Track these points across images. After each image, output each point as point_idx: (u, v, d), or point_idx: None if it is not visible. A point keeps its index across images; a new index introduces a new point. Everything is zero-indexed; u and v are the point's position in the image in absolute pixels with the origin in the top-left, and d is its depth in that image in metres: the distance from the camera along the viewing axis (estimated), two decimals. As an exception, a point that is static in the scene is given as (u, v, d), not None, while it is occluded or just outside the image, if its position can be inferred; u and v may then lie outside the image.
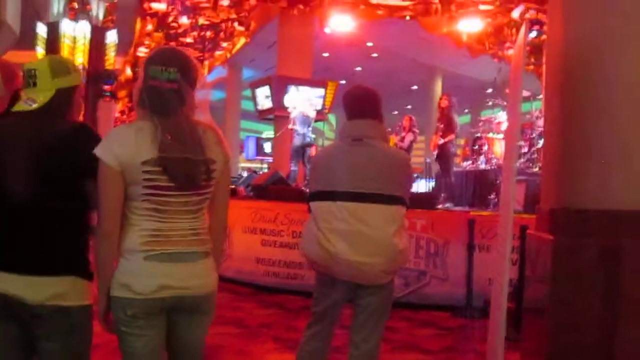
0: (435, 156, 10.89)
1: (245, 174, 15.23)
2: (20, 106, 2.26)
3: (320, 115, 15.78)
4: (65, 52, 13.78)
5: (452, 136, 10.27)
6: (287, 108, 12.85)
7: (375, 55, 23.15)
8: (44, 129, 2.21)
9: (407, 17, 15.11)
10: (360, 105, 3.29)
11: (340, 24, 14.84)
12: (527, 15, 13.63)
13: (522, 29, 3.26)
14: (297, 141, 11.34)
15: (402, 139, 11.25)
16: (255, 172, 15.59)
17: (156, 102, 2.20)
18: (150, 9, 16.57)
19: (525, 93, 10.69)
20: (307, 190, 3.40)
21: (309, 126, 11.47)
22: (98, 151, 2.15)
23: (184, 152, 2.18)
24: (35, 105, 2.24)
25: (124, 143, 2.16)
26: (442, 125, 10.61)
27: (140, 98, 2.23)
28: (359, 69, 25.42)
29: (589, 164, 3.16)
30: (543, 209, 3.50)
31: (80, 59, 14.08)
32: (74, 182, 2.20)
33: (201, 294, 2.27)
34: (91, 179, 2.19)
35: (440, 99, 11.10)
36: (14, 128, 2.23)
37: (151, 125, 2.18)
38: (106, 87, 13.80)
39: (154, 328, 2.22)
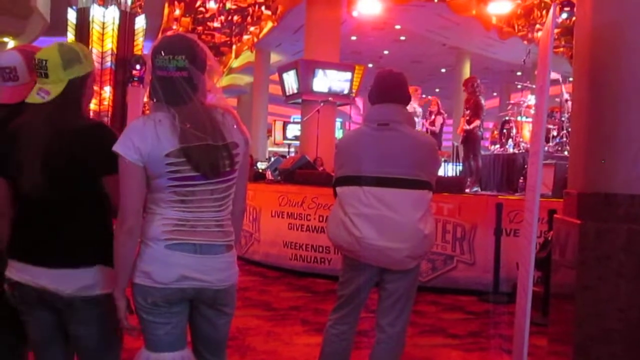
0: (461, 140, 10.82)
1: (273, 158, 15.28)
2: (34, 98, 2.26)
3: (348, 99, 15.78)
4: (94, 37, 13.93)
5: (477, 122, 10.21)
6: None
7: (403, 38, 22.96)
8: (58, 126, 2.23)
9: (435, 0, 14.96)
10: (386, 89, 3.28)
11: (368, 7, 14.77)
12: (558, -3, 13.41)
13: (551, 11, 3.21)
14: None
15: (433, 123, 11.17)
16: (282, 156, 15.62)
17: (168, 92, 2.16)
18: (178, -7, 16.65)
19: (555, 76, 10.53)
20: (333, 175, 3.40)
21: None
22: (118, 147, 2.13)
23: (205, 140, 2.15)
24: (48, 98, 2.25)
25: (143, 137, 2.13)
26: (468, 110, 10.54)
27: (152, 90, 2.19)
28: (386, 52, 25.25)
29: (617, 148, 3.11)
30: (571, 193, 3.47)
31: (110, 44, 14.23)
32: (93, 178, 2.22)
33: (222, 287, 2.25)
34: (108, 175, 2.20)
35: (464, 83, 11.04)
36: (29, 126, 2.24)
37: (168, 115, 2.15)
38: (135, 72, 13.92)
39: (175, 316, 2.22)
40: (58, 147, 2.21)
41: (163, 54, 2.17)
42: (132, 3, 15.19)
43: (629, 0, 3.15)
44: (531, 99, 10.98)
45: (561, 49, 16.16)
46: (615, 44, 3.17)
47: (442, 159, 13.19)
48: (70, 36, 14.32)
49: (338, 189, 3.25)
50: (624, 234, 3.02)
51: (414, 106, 10.65)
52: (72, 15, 14.49)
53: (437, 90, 28.42)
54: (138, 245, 2.22)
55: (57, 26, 14.66)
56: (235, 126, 2.28)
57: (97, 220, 2.27)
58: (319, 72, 15.61)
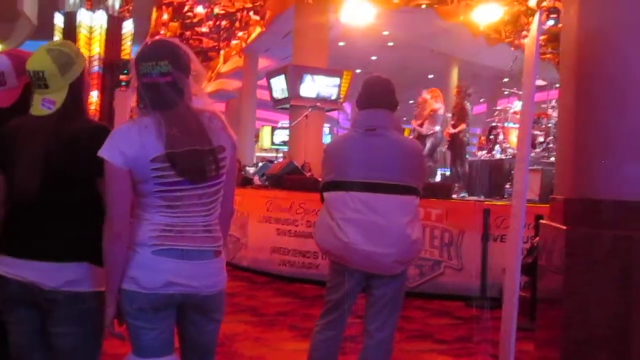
0: (447, 145, 10.84)
1: (260, 163, 15.26)
2: (40, 110, 2.26)
3: (336, 104, 15.80)
4: (82, 42, 13.87)
5: (463, 125, 10.23)
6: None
7: (391, 44, 23.03)
8: (61, 131, 2.23)
9: (423, 6, 15.04)
10: (373, 95, 3.30)
11: (356, 12, 14.78)
12: (545, 3, 13.51)
13: (536, 18, 3.24)
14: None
15: (421, 124, 11.11)
16: (270, 161, 15.61)
17: (154, 98, 2.15)
18: (166, -1, 16.64)
19: (541, 82, 10.60)
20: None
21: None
22: (104, 152, 2.12)
23: (191, 144, 2.14)
24: (55, 108, 2.26)
25: (129, 142, 2.12)
26: (454, 114, 10.58)
27: (139, 97, 2.18)
28: (374, 58, 25.31)
29: (603, 154, 3.14)
30: (557, 199, 3.50)
31: (97, 48, 14.17)
32: (90, 179, 2.22)
33: (210, 293, 2.24)
34: (100, 178, 2.19)
35: (457, 87, 10.98)
36: (31, 133, 2.24)
37: (154, 120, 2.14)
38: (122, 76, 13.87)
39: (163, 322, 2.21)
40: (59, 151, 2.21)
41: (146, 61, 2.16)
42: (120, 7, 15.15)
43: (613, 7, 3.19)
44: (518, 105, 11.04)
45: (548, 55, 16.25)
46: (600, 51, 3.20)
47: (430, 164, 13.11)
48: (58, 40, 14.26)
49: (325, 194, 3.26)
50: (609, 239, 3.04)
51: (436, 107, 10.62)
52: (59, 19, 14.42)
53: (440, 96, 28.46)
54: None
55: (44, 30, 14.59)
56: (222, 130, 2.26)
57: (89, 219, 2.26)
58: (307, 78, 15.62)
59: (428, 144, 10.37)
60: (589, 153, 3.20)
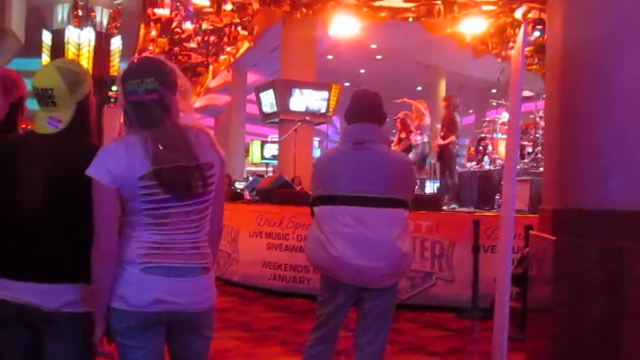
0: (436, 157, 10.87)
1: (250, 178, 15.26)
2: (45, 128, 2.25)
3: (325, 118, 15.85)
4: (69, 59, 13.85)
5: (452, 137, 10.25)
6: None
7: (379, 57, 23.18)
8: (65, 151, 2.23)
9: (410, 19, 15.13)
10: (361, 109, 3.32)
11: (344, 26, 14.86)
12: (531, 15, 13.63)
13: (521, 30, 3.28)
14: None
15: (408, 136, 11.09)
16: (260, 175, 15.62)
17: (140, 115, 2.15)
18: (154, 14, 16.64)
19: (528, 93, 10.69)
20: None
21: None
22: (91, 171, 2.12)
23: (178, 161, 2.14)
24: (62, 126, 2.25)
25: (116, 160, 2.12)
26: (443, 126, 10.62)
27: (125, 115, 2.19)
28: (363, 71, 25.43)
29: (589, 164, 3.17)
30: (546, 210, 3.53)
31: (85, 65, 14.16)
32: (89, 201, 2.20)
33: (199, 310, 2.23)
34: None
35: (445, 99, 11.03)
36: (35, 152, 2.24)
37: (141, 138, 2.14)
38: (111, 93, 13.87)
39: (151, 340, 2.20)
40: (61, 172, 2.21)
41: (132, 79, 2.17)
42: (108, 24, 15.17)
43: (596, 20, 3.23)
44: (506, 116, 11.11)
45: (535, 67, 16.38)
46: (583, 63, 3.24)
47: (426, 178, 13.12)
48: (46, 57, 14.24)
49: (315, 209, 3.27)
50: (596, 249, 3.07)
51: (425, 119, 10.66)
52: (47, 36, 14.44)
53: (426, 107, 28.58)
54: None
55: (32, 47, 14.57)
56: (209, 146, 2.26)
57: (87, 240, 2.25)
58: (296, 92, 15.69)
59: (416, 155, 10.38)
60: (575, 163, 3.24)
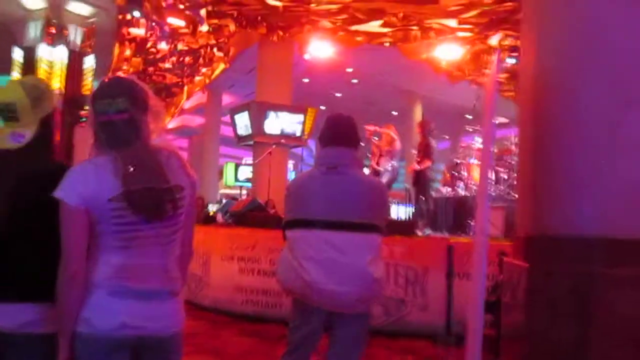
0: (412, 182, 10.91)
1: (224, 201, 15.20)
2: (7, 143, 2.24)
3: (300, 141, 15.89)
4: (41, 77, 13.76)
5: (428, 162, 10.28)
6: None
7: (355, 81, 23.34)
8: (27, 168, 2.22)
9: (387, 44, 15.31)
10: (335, 132, 3.34)
11: (320, 50, 15.00)
12: (506, 43, 13.88)
13: (494, 57, 3.33)
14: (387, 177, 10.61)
15: (378, 162, 11.11)
16: (234, 198, 15.57)
17: (111, 136, 2.15)
18: (129, 34, 16.63)
19: (503, 120, 10.85)
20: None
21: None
22: (59, 193, 2.10)
23: (148, 182, 2.13)
24: (24, 141, 2.24)
25: (85, 181, 2.11)
26: (419, 151, 10.67)
27: (95, 136, 2.18)
28: (339, 94, 25.59)
29: (562, 191, 3.21)
30: (519, 236, 3.55)
31: (57, 84, 14.08)
32: (51, 219, 2.17)
33: (166, 335, 2.20)
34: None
35: (419, 125, 11.08)
36: None
37: (111, 159, 2.13)
38: (83, 112, 13.78)
39: None
40: (22, 190, 2.19)
41: (102, 99, 2.16)
42: (81, 42, 15.11)
43: (568, 49, 3.28)
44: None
45: (511, 94, 16.64)
46: (555, 91, 3.29)
47: (395, 201, 13.19)
48: (16, 74, 14.12)
49: (288, 232, 3.26)
50: (569, 275, 3.09)
51: (395, 144, 10.69)
52: (18, 53, 14.34)
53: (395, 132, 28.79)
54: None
55: (2, 64, 14.46)
56: (180, 168, 2.25)
57: (48, 259, 2.21)
58: (271, 114, 15.73)
59: (384, 180, 10.39)
60: (547, 190, 3.27)
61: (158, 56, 18.26)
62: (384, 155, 10.77)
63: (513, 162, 10.12)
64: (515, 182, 9.82)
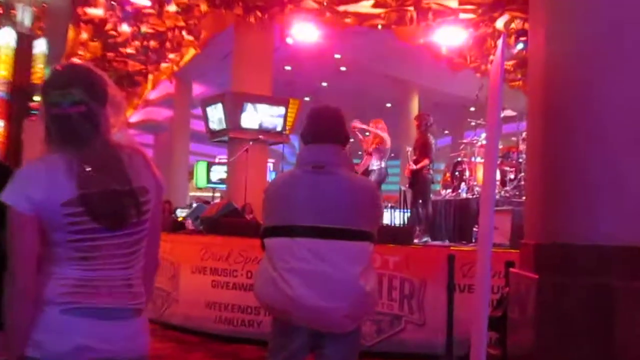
0: (408, 183, 10.91)
1: (194, 205, 15.16)
2: None
3: (281, 137, 15.87)
4: (-16, 63, 13.68)
5: (426, 161, 10.28)
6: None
7: (343, 69, 23.37)
8: None
9: (379, 27, 15.32)
10: (321, 127, 3.33)
11: (304, 33, 14.98)
12: (513, 25, 13.93)
13: (500, 42, 3.34)
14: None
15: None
16: (206, 202, 15.52)
17: (65, 131, 2.13)
18: (86, 14, 16.53)
19: (510, 113, 10.89)
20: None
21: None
22: (6, 196, 2.07)
23: (108, 184, 2.12)
24: None
25: (36, 184, 2.08)
26: (416, 150, 10.67)
27: (47, 131, 2.15)
28: (325, 84, 25.61)
29: (576, 194, 3.23)
30: (527, 244, 3.57)
31: (3, 71, 13.97)
32: None
33: (129, 359, 2.19)
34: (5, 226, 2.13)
35: (416, 118, 11.09)
36: None
37: (65, 158, 2.11)
38: (33, 104, 13.68)
39: None
40: None
41: (55, 89, 2.14)
42: (30, 24, 15.01)
43: (584, 28, 3.29)
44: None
45: (518, 83, 16.72)
46: (570, 78, 3.31)
47: (389, 205, 13.24)
48: (-44, 61, 14.03)
49: (267, 241, 3.25)
50: (584, 288, 3.11)
51: (384, 141, 10.70)
52: (-41, 37, 14.23)
53: (386, 127, 28.86)
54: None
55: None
56: (145, 168, 2.25)
57: None
58: (248, 107, 15.69)
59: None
60: (560, 193, 3.29)
61: (119, 40, 18.15)
62: (371, 153, 10.78)
63: (521, 161, 10.16)
64: (523, 183, 9.86)
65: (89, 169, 2.11)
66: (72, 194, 2.09)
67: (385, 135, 10.78)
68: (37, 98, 13.54)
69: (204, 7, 15.58)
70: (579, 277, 3.15)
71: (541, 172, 3.43)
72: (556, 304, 3.18)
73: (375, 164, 10.69)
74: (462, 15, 14.41)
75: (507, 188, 10.32)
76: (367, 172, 10.56)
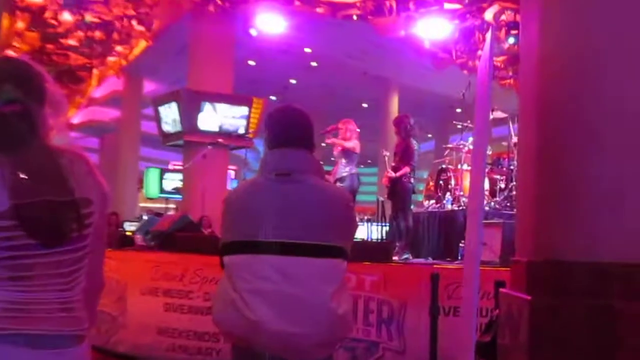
0: (387, 193, 10.93)
1: (145, 217, 15.07)
2: None
3: (244, 141, 15.85)
4: None
5: (406, 168, 10.30)
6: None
7: (314, 64, 23.43)
8: None
9: (355, 17, 15.38)
10: (286, 129, 3.34)
11: (270, 24, 15.00)
12: (503, 17, 14.06)
13: (489, 36, 3.37)
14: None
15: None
16: (158, 214, 15.45)
17: None
18: (22, 1, 16.43)
19: (500, 114, 10.97)
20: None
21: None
22: None
23: (45, 194, 2.09)
24: None
25: None
26: (396, 154, 10.69)
27: None
28: (293, 81, 25.65)
29: (573, 204, 3.25)
30: (519, 262, 3.59)
31: None
32: None
33: None
34: None
35: (395, 122, 11.13)
36: None
37: None
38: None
39: None
40: None
41: None
42: (-42, 12, 14.88)
43: (583, 18, 3.32)
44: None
45: (509, 81, 16.88)
46: (567, 76, 3.33)
47: (365, 217, 13.29)
48: None
49: (226, 259, 3.24)
50: (583, 310, 3.13)
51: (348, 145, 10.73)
52: None
53: (357, 130, 28.99)
54: None
55: None
56: (88, 176, 2.23)
57: None
58: (207, 106, 15.70)
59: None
60: (556, 204, 3.31)
61: (60, 30, 18.06)
62: (339, 159, 10.83)
63: (513, 168, 10.24)
64: (515, 193, 9.93)
65: (24, 176, 2.09)
66: (3, 205, 2.06)
67: (351, 144, 10.80)
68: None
69: (156, -7, 15.56)
70: (577, 298, 3.17)
71: (534, 181, 3.45)
72: (551, 328, 3.19)
73: (344, 170, 10.72)
74: (447, 6, 14.52)
75: (497, 199, 10.40)
76: (336, 180, 10.59)
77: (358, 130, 11.19)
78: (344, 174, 10.68)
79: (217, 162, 14.23)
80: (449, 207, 10.95)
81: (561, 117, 3.32)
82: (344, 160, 10.80)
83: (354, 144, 10.85)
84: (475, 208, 3.41)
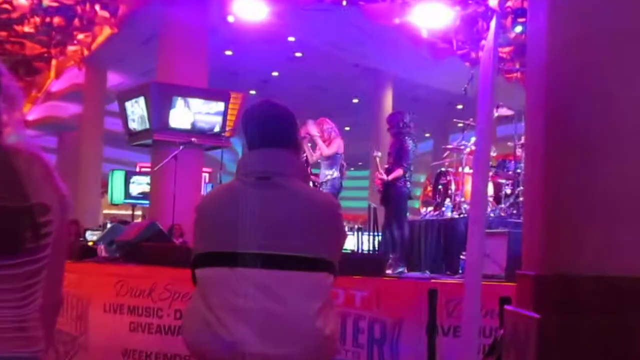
0: (380, 199, 10.94)
1: (109, 225, 15.04)
2: None
3: (220, 140, 15.84)
4: None
5: (399, 171, 10.29)
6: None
7: (299, 55, 23.44)
8: None
9: (344, 3, 15.40)
10: (267, 128, 3.34)
11: (249, 10, 14.98)
12: (509, 3, 14.11)
13: (493, 23, 3.38)
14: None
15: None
16: (123, 222, 15.42)
17: None
18: (-28, -17, 16.40)
19: (506, 112, 11.00)
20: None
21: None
22: None
23: None
24: None
25: None
26: (389, 155, 10.70)
27: None
28: (275, 74, 25.66)
29: (586, 214, 3.26)
30: (526, 276, 3.60)
31: None
32: None
33: None
34: None
35: (389, 119, 11.14)
36: None
37: None
38: None
39: None
40: None
41: None
42: None
43: (597, 9, 3.33)
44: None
45: (516, 75, 16.93)
46: (579, 69, 3.34)
47: (355, 226, 13.29)
48: None
49: (199, 272, 3.24)
50: (596, 330, 3.14)
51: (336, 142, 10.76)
52: None
53: (347, 128, 29.01)
54: None
55: None
56: (45, 179, 2.23)
57: None
58: (179, 101, 15.67)
59: None
60: (565, 213, 3.32)
61: (14, 16, 18.03)
62: (321, 161, 10.86)
63: (519, 172, 10.26)
64: (522, 199, 9.96)
65: None
66: None
67: (333, 149, 10.83)
68: None
69: (122, -25, 15.55)
70: (590, 316, 3.18)
71: (543, 187, 3.46)
72: (562, 349, 3.20)
73: (326, 174, 10.74)
74: (447, -10, 14.57)
75: (502, 205, 10.41)
76: (320, 184, 10.63)
77: (336, 128, 11.22)
78: (327, 178, 10.72)
79: (189, 164, 14.18)
80: (448, 214, 10.97)
81: (572, 114, 3.33)
82: (326, 162, 10.83)
83: (336, 146, 10.89)
84: (477, 216, 3.42)
